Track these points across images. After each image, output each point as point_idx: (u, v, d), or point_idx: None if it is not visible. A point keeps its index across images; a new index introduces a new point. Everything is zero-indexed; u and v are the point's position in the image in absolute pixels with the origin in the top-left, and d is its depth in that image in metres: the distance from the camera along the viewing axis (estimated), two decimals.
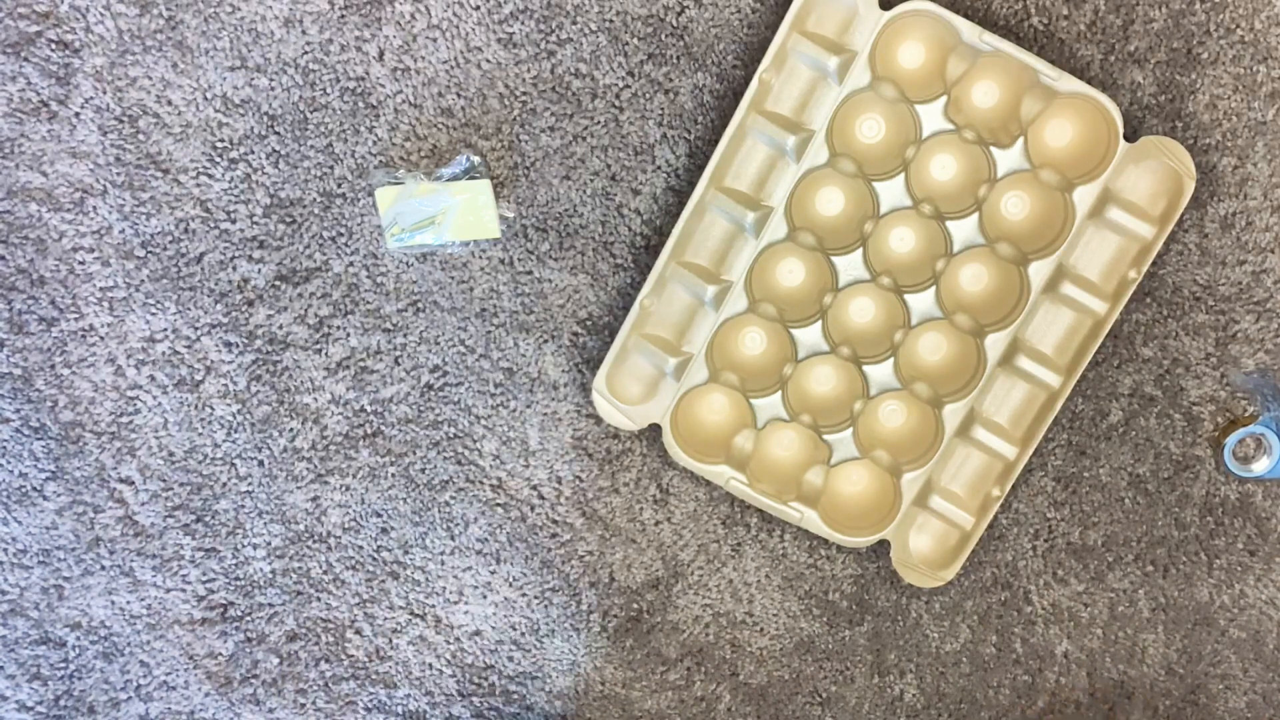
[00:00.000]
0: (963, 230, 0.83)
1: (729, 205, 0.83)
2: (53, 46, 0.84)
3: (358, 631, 0.92)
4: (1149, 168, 0.81)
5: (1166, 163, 0.81)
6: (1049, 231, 0.83)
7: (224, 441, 0.89)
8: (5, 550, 0.90)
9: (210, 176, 0.86)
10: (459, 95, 0.85)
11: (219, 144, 0.85)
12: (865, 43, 0.80)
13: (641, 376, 0.86)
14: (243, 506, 0.90)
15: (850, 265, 0.83)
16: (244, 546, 0.91)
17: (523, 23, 0.84)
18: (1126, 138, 0.80)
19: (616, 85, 0.85)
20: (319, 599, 0.92)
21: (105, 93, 0.84)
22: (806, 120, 0.83)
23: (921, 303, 0.84)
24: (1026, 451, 0.85)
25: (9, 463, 0.89)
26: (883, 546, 0.88)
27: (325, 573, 0.91)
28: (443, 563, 0.92)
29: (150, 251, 0.87)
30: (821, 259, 0.84)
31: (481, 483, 0.91)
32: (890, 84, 0.81)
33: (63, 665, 0.92)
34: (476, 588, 0.92)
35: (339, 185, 0.86)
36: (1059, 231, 0.82)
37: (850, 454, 0.86)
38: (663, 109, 0.86)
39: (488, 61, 0.85)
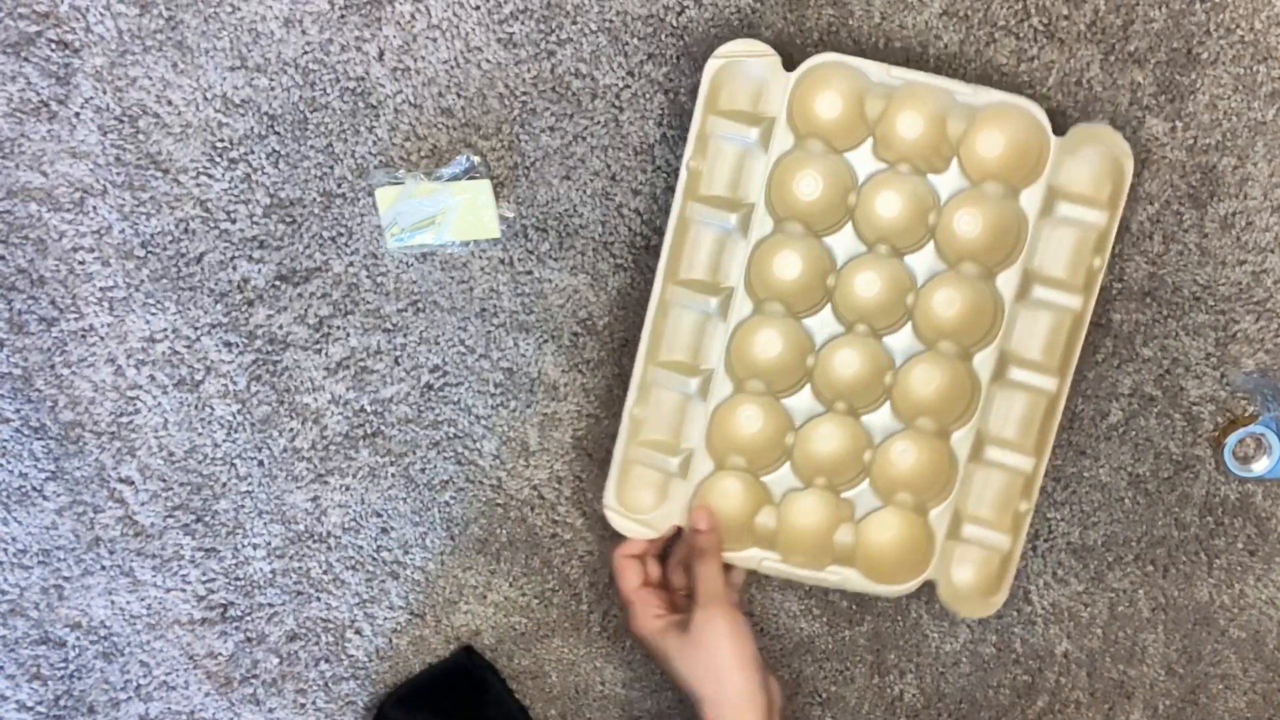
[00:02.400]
0: (923, 261, 0.82)
1: (690, 297, 0.83)
2: (53, 46, 0.84)
3: (358, 631, 0.92)
4: (1085, 157, 0.81)
5: (1101, 148, 0.81)
6: (1006, 241, 0.82)
7: (224, 441, 0.89)
8: (5, 550, 0.90)
9: (210, 176, 0.86)
10: (459, 95, 0.85)
11: (219, 144, 0.85)
12: (780, 106, 0.80)
13: (649, 483, 0.86)
14: (243, 506, 0.90)
15: (823, 323, 0.83)
16: (244, 546, 0.91)
17: (523, 23, 0.84)
18: (1056, 132, 0.80)
19: (616, 85, 0.85)
20: (319, 599, 0.92)
21: (105, 93, 0.84)
22: (743, 195, 0.83)
23: (902, 340, 0.83)
24: (1043, 460, 0.84)
25: (9, 463, 0.89)
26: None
27: (325, 573, 0.91)
28: (443, 563, 0.92)
29: (150, 251, 0.87)
30: (794, 324, 0.83)
31: (481, 483, 0.91)
32: (815, 139, 0.81)
33: (63, 665, 0.92)
34: (476, 588, 0.92)
35: (339, 185, 0.86)
36: (1016, 239, 0.82)
37: (873, 505, 0.85)
38: (663, 109, 0.86)
39: (488, 61, 0.85)
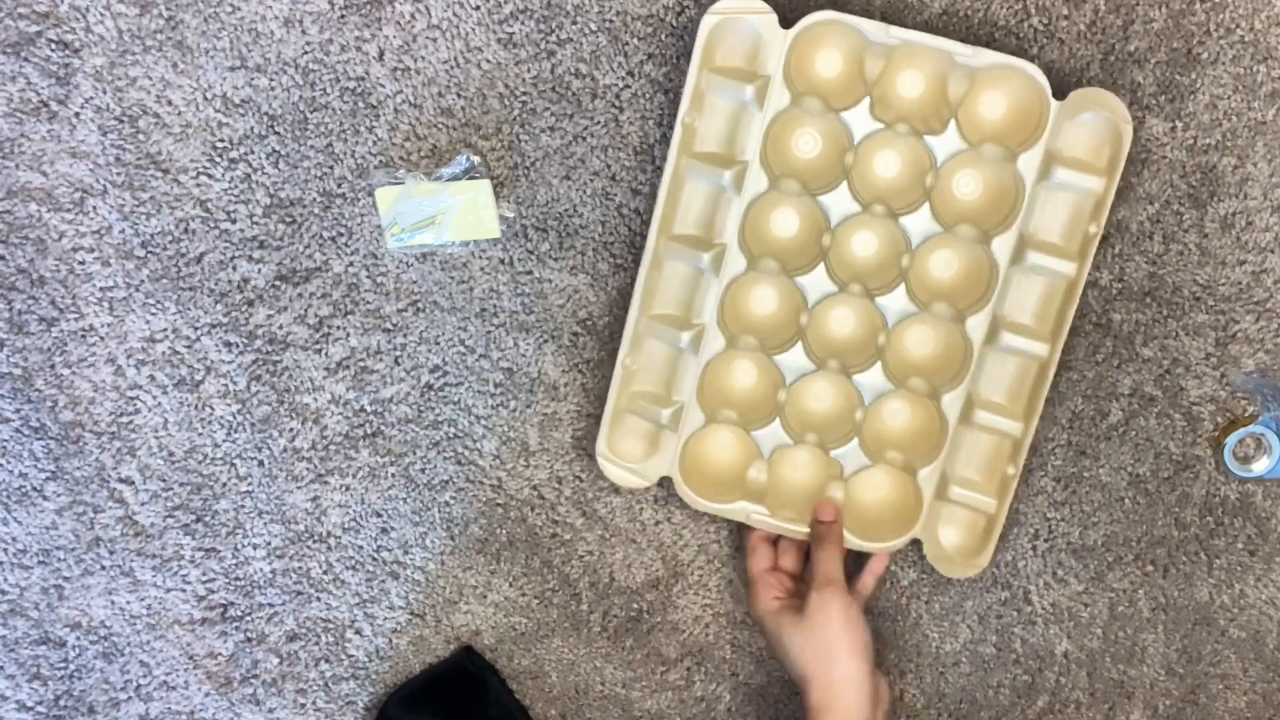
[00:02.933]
0: (919, 223, 0.82)
1: (683, 251, 0.83)
2: (53, 46, 0.84)
3: (358, 631, 0.92)
4: (1085, 122, 0.81)
5: (1102, 114, 0.80)
6: (1003, 205, 0.82)
7: (224, 441, 0.89)
8: (5, 550, 0.90)
9: (210, 176, 0.86)
10: (459, 95, 0.85)
11: (219, 144, 0.85)
12: (777, 64, 0.80)
13: (640, 433, 0.87)
14: (243, 506, 0.90)
15: (817, 281, 0.83)
16: (244, 546, 0.91)
17: (523, 23, 0.84)
18: (1056, 96, 0.80)
19: (616, 85, 0.85)
20: (319, 599, 0.92)
21: (105, 93, 0.84)
22: (738, 152, 0.83)
23: (895, 301, 0.83)
24: (1031, 425, 0.84)
25: (9, 463, 0.89)
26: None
27: (325, 573, 0.91)
28: (443, 563, 0.92)
29: (150, 251, 0.87)
30: (787, 281, 0.83)
31: (481, 483, 0.91)
32: (812, 98, 0.81)
33: (63, 665, 0.92)
34: (476, 588, 0.92)
35: (339, 185, 0.86)
36: (1013, 203, 0.82)
37: (863, 463, 0.86)
38: (663, 109, 0.86)
39: (488, 61, 0.85)
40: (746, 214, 0.82)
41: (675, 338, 0.84)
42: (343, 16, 0.84)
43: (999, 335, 0.84)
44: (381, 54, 0.85)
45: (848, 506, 0.86)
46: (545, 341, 0.89)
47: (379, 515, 0.91)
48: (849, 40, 0.81)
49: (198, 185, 0.86)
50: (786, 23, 0.80)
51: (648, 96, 0.86)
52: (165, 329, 0.87)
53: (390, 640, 0.92)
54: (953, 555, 0.87)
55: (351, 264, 0.87)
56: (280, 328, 0.88)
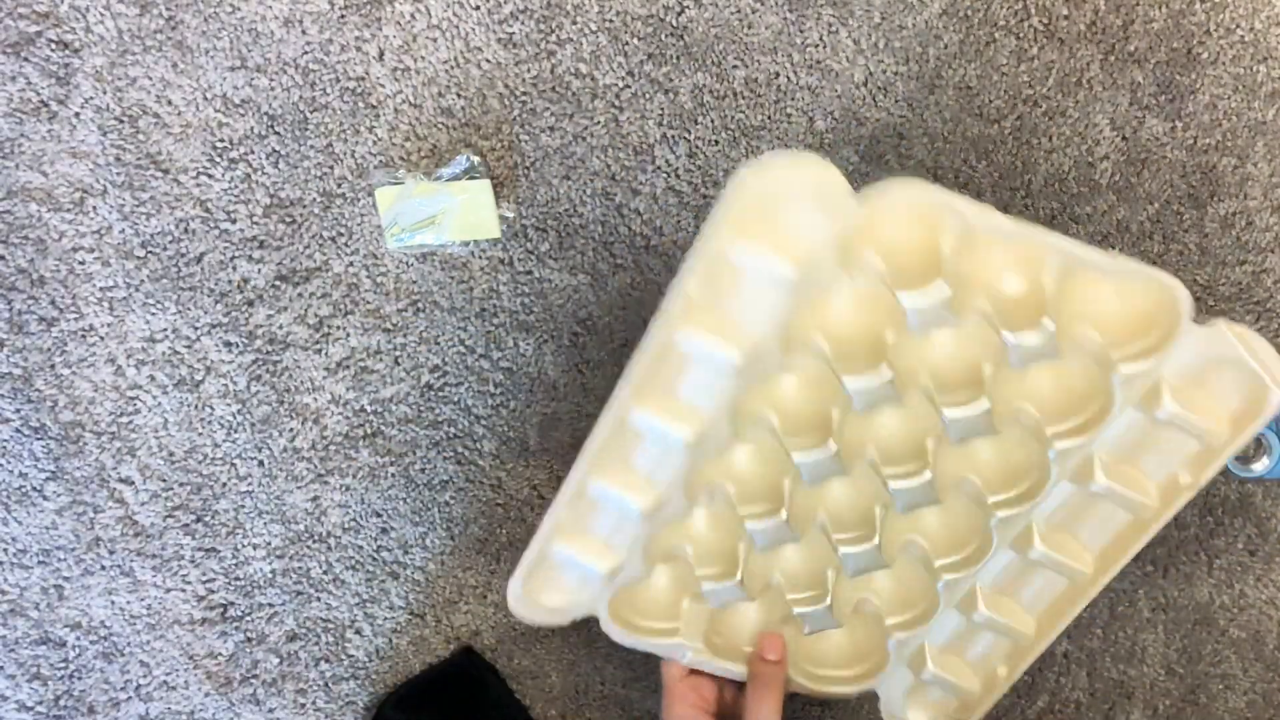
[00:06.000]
0: (964, 412, 0.66)
1: (658, 424, 0.69)
2: (53, 46, 0.84)
3: (358, 631, 0.92)
4: (1219, 361, 0.65)
5: (1246, 361, 0.63)
6: (1080, 409, 0.67)
7: (224, 441, 0.89)
8: (5, 550, 0.90)
9: (210, 176, 0.86)
10: (459, 95, 0.85)
11: (219, 144, 0.85)
12: (833, 238, 0.61)
13: (561, 585, 0.77)
14: (243, 506, 0.90)
15: (814, 455, 0.69)
16: (244, 546, 0.91)
17: (523, 23, 0.84)
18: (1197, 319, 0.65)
19: (616, 85, 0.85)
20: (319, 599, 0.92)
21: (105, 93, 0.84)
22: (744, 337, 0.66)
23: (912, 483, 0.69)
24: (1046, 639, 0.73)
25: (9, 463, 0.89)
26: None
27: (325, 573, 0.91)
28: (443, 563, 0.92)
29: (150, 251, 0.87)
30: (778, 447, 0.69)
31: (481, 483, 0.91)
32: (874, 283, 0.63)
33: (63, 665, 0.92)
34: (476, 588, 0.92)
35: (339, 185, 0.86)
36: (1097, 412, 0.66)
37: (829, 624, 0.75)
38: (663, 109, 0.86)
39: (488, 61, 0.85)
40: (751, 391, 0.67)
41: (624, 505, 0.71)
42: (343, 16, 0.84)
43: (1031, 544, 0.71)
44: (381, 54, 0.85)
45: (799, 644, 0.76)
46: (545, 341, 0.89)
47: (379, 515, 0.91)
48: (932, 218, 0.62)
49: (198, 185, 0.86)
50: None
51: (648, 96, 0.86)
52: (165, 329, 0.88)
53: (390, 640, 0.92)
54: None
55: (351, 264, 0.87)
56: (280, 328, 0.88)
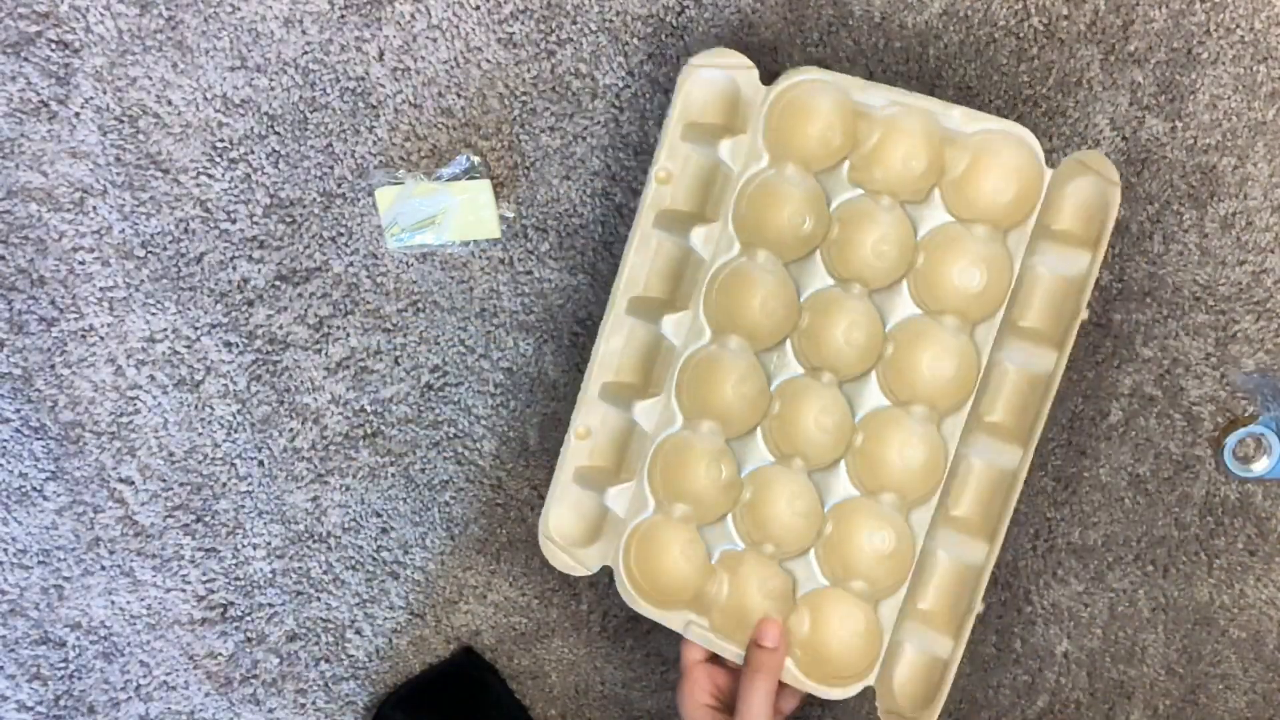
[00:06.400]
0: (897, 302, 0.75)
1: (646, 314, 0.78)
2: (53, 46, 0.84)
3: (358, 631, 0.92)
4: (1076, 191, 0.74)
5: (1093, 179, 0.73)
6: (993, 291, 0.75)
7: (224, 441, 0.89)
8: (5, 550, 0.90)
9: (210, 176, 0.86)
10: (459, 95, 0.85)
11: (219, 144, 0.85)
12: (756, 123, 0.75)
13: (584, 512, 0.82)
14: (243, 506, 0.90)
15: (785, 362, 0.77)
16: (244, 546, 0.91)
17: (523, 23, 0.84)
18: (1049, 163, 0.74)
19: (616, 85, 0.85)
20: (319, 599, 0.92)
21: (105, 93, 0.84)
22: (709, 212, 0.78)
23: (870, 393, 0.76)
24: (994, 551, 0.74)
25: (9, 463, 0.89)
26: None
27: (325, 573, 0.91)
28: (443, 563, 0.92)
29: (150, 251, 0.87)
30: (754, 361, 0.77)
31: (481, 483, 0.91)
32: (792, 162, 0.75)
33: (63, 665, 0.92)
34: (476, 588, 0.92)
35: (339, 185, 0.86)
36: (1003, 288, 0.74)
37: (819, 584, 0.78)
38: (663, 109, 0.86)
39: (488, 61, 0.85)
40: (713, 281, 0.77)
41: (628, 408, 0.79)
42: (343, 16, 0.84)
43: (974, 439, 0.75)
44: (381, 54, 0.85)
45: (797, 634, 0.78)
46: (545, 341, 0.89)
47: (379, 515, 0.91)
48: (832, 99, 0.76)
49: (198, 185, 0.86)
50: (768, 78, 0.76)
51: (648, 96, 0.85)
52: (165, 329, 0.87)
53: (390, 640, 0.92)
54: (903, 704, 0.78)
55: (351, 264, 0.87)
56: (280, 328, 0.88)
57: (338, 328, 0.88)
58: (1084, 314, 0.73)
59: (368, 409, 0.89)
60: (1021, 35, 0.85)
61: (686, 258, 0.79)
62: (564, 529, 0.82)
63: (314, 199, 0.86)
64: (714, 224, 0.77)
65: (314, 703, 0.93)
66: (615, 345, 0.80)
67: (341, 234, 0.87)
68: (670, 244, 0.79)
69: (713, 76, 0.76)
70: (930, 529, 0.76)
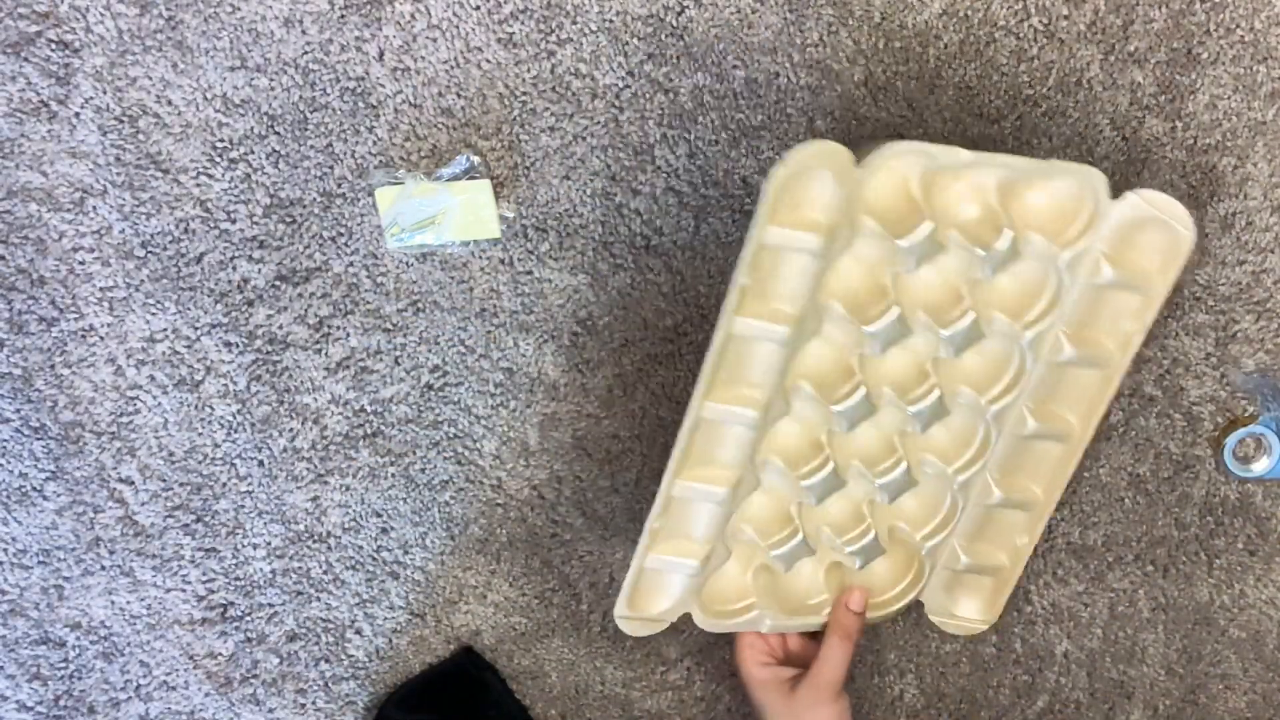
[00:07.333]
0: (957, 327, 0.79)
1: (731, 410, 0.79)
2: (53, 46, 0.84)
3: (358, 631, 0.92)
4: (1140, 224, 0.76)
5: (1160, 219, 0.76)
6: (1040, 299, 0.79)
7: (224, 441, 0.89)
8: (5, 550, 0.90)
9: (210, 176, 0.86)
10: (459, 95, 0.85)
11: (219, 144, 0.85)
12: (848, 206, 0.73)
13: (660, 588, 0.86)
14: (243, 506, 0.90)
15: (849, 403, 0.80)
16: (244, 546, 0.91)
17: (523, 23, 0.84)
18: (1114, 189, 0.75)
19: (616, 85, 0.85)
20: (319, 599, 0.92)
21: (105, 93, 0.84)
22: (789, 304, 0.77)
23: (922, 405, 0.81)
24: (1053, 499, 0.83)
25: (9, 463, 0.89)
26: None
27: (325, 573, 0.91)
28: (443, 563, 0.92)
29: (150, 251, 0.87)
30: (821, 407, 0.80)
31: (481, 483, 0.91)
32: (875, 237, 0.75)
33: (63, 665, 0.92)
34: (476, 588, 0.92)
35: (339, 185, 0.86)
36: (1052, 298, 0.78)
37: (876, 552, 0.86)
38: (663, 109, 0.86)
39: (488, 61, 0.85)
40: (791, 362, 0.78)
41: (710, 494, 0.82)
42: (343, 16, 0.84)
43: (1024, 423, 0.81)
44: (381, 54, 0.85)
45: (850, 582, 0.86)
46: (545, 341, 0.89)
47: (379, 515, 0.91)
48: (918, 167, 0.74)
49: (198, 185, 0.86)
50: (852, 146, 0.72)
51: (648, 96, 0.86)
52: (165, 329, 0.87)
53: (390, 640, 0.92)
54: (958, 614, 0.88)
55: (351, 264, 0.87)
56: (280, 328, 0.88)
57: (338, 328, 0.88)
58: (1136, 330, 0.78)
59: (368, 409, 0.89)
60: (1021, 35, 0.85)
61: (773, 350, 0.78)
62: (641, 607, 0.86)
63: (314, 199, 0.86)
64: (796, 316, 0.76)
65: (314, 703, 0.93)
66: (695, 444, 0.81)
67: (341, 234, 0.87)
68: (756, 341, 0.78)
69: (804, 172, 0.72)
70: (983, 493, 0.83)
